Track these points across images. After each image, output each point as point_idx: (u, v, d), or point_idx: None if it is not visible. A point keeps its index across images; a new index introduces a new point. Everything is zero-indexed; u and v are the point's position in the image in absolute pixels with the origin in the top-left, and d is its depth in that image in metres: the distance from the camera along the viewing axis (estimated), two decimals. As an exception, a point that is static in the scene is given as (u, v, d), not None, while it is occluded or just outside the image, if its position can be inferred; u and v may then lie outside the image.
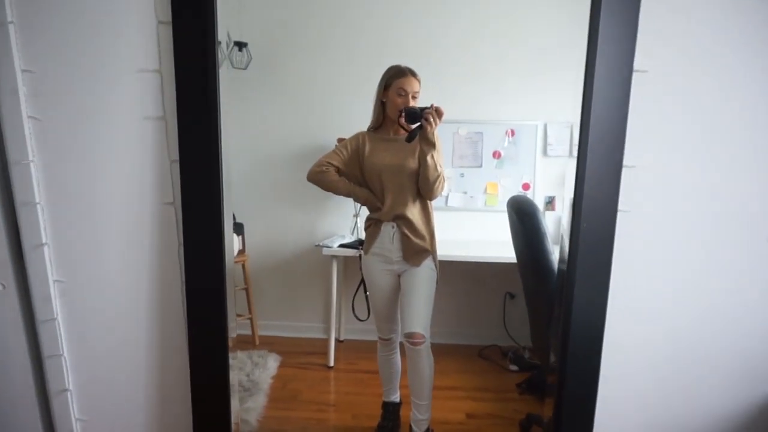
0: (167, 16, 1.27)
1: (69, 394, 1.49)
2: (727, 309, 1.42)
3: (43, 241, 1.39)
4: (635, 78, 1.24)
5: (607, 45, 1.20)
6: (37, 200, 1.36)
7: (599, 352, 1.38)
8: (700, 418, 1.50)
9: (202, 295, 1.41)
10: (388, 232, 1.98)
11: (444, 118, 1.84)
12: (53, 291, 1.42)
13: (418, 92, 1.93)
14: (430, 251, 1.99)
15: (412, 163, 1.92)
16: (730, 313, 1.43)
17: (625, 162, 1.28)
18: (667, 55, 1.27)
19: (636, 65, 1.23)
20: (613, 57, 1.21)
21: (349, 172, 2.00)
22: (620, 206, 1.30)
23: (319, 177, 1.98)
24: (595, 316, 1.36)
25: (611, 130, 1.25)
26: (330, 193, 2.07)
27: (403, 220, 1.95)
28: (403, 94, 1.90)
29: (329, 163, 1.98)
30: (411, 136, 1.86)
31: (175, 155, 1.34)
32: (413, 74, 1.92)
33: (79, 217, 1.40)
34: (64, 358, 1.46)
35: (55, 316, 1.43)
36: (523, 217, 1.97)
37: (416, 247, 1.96)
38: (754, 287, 1.40)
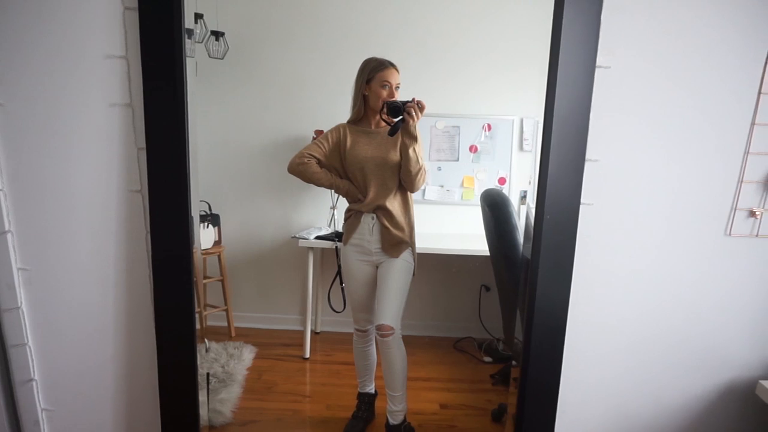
0: (134, 1, 1.26)
1: (34, 383, 1.48)
2: (686, 299, 1.47)
3: (6, 228, 1.37)
4: (598, 74, 1.26)
5: (570, 41, 1.22)
6: (0, 187, 1.35)
7: (562, 341, 1.41)
8: (661, 403, 1.54)
9: (169, 283, 1.40)
10: (368, 223, 1.99)
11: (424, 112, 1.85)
12: (17, 279, 1.41)
13: (399, 84, 1.94)
14: (409, 243, 2.01)
15: (394, 156, 1.93)
16: (690, 303, 1.47)
17: (588, 156, 1.31)
18: (629, 52, 1.29)
19: (599, 61, 1.26)
20: (576, 53, 1.23)
21: (329, 164, 2.00)
22: (583, 199, 1.33)
23: (300, 169, 1.98)
24: (558, 305, 1.39)
25: (574, 124, 1.27)
26: (307, 185, 2.07)
27: (383, 212, 1.96)
28: (387, 86, 1.91)
29: (310, 154, 1.98)
30: (394, 130, 1.87)
31: (142, 143, 1.33)
32: (394, 66, 1.94)
33: (44, 204, 1.39)
34: (29, 347, 1.45)
35: (19, 305, 1.42)
36: (494, 209, 2.00)
37: (395, 239, 1.97)
38: (712, 279, 1.45)
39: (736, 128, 1.34)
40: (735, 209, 1.38)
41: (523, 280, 1.45)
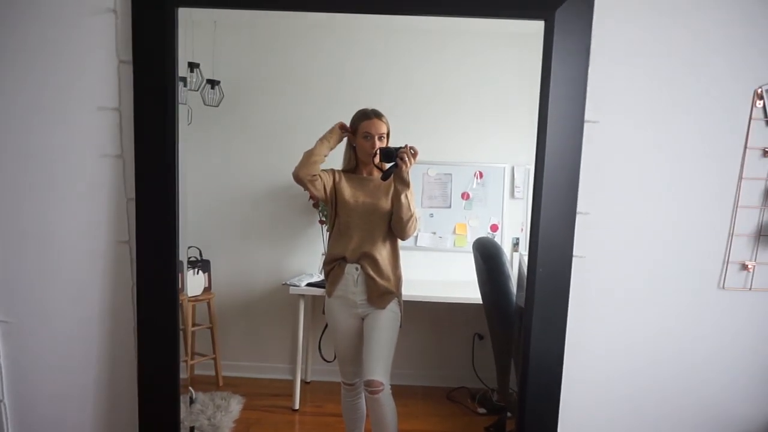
0: (128, 55, 1.28)
1: (8, 441, 1.42)
2: (681, 353, 1.44)
3: (-11, 278, 1.35)
4: (587, 128, 1.28)
5: (558, 96, 1.25)
6: (-16, 237, 1.33)
7: (557, 394, 1.38)
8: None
9: (154, 335, 1.37)
10: (352, 274, 1.95)
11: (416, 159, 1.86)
12: (-4, 332, 1.37)
13: (384, 133, 1.94)
14: (395, 294, 1.97)
15: (385, 204, 1.92)
16: (685, 357, 1.44)
17: (579, 209, 1.31)
18: (616, 108, 1.32)
19: (587, 116, 1.27)
20: (564, 108, 1.25)
21: (325, 190, 1.97)
22: (575, 251, 1.32)
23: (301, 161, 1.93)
24: (553, 358, 1.36)
25: (565, 177, 1.28)
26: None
27: (369, 260, 1.93)
28: (369, 137, 1.92)
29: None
30: (386, 175, 1.87)
31: (132, 193, 1.33)
32: (378, 116, 1.94)
33: (30, 254, 1.37)
34: (4, 404, 1.40)
35: (-3, 359, 1.38)
36: (487, 259, 1.99)
37: (381, 289, 1.93)
38: (707, 332, 1.43)
39: (725, 182, 1.36)
40: (727, 262, 1.38)
41: (517, 332, 1.42)
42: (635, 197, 1.36)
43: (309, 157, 1.93)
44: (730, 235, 1.37)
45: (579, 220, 1.31)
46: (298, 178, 1.94)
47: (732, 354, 1.43)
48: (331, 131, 1.97)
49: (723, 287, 1.39)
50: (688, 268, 1.39)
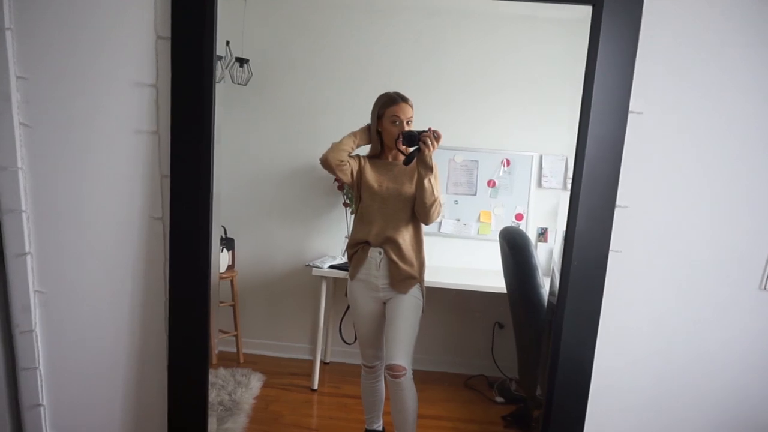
0: (167, 31, 1.27)
1: (42, 409, 1.45)
2: (716, 353, 1.41)
3: (27, 250, 1.36)
4: (630, 119, 1.24)
5: (603, 85, 1.21)
6: (23, 208, 1.35)
7: (586, 391, 1.36)
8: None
9: (185, 312, 1.38)
10: (375, 258, 1.95)
11: (441, 143, 1.83)
12: (33, 301, 1.39)
13: (411, 118, 1.92)
14: (418, 279, 1.96)
15: (409, 189, 1.90)
16: (719, 358, 1.42)
17: (618, 202, 1.28)
18: (662, 99, 1.27)
19: (631, 107, 1.24)
20: (608, 97, 1.22)
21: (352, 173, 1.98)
22: (612, 246, 1.29)
23: (330, 149, 1.96)
24: (584, 355, 1.34)
25: (605, 169, 1.25)
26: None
27: (392, 245, 1.92)
28: (397, 122, 1.90)
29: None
30: (409, 159, 1.85)
31: (167, 170, 1.33)
32: (404, 100, 1.91)
33: (65, 227, 1.38)
34: (40, 371, 1.43)
35: (33, 328, 1.40)
36: (515, 250, 1.96)
37: (404, 274, 1.93)
38: (743, 333, 1.40)
39: (772, 180, 1.31)
40: (770, 263, 1.34)
41: (547, 326, 1.41)
42: (677, 192, 1.32)
43: (338, 146, 1.95)
44: (775, 235, 1.33)
45: (618, 213, 1.28)
46: (326, 163, 1.94)
47: (769, 356, 1.40)
48: (361, 129, 1.99)
49: (765, 288, 1.36)
50: (728, 267, 1.36)
